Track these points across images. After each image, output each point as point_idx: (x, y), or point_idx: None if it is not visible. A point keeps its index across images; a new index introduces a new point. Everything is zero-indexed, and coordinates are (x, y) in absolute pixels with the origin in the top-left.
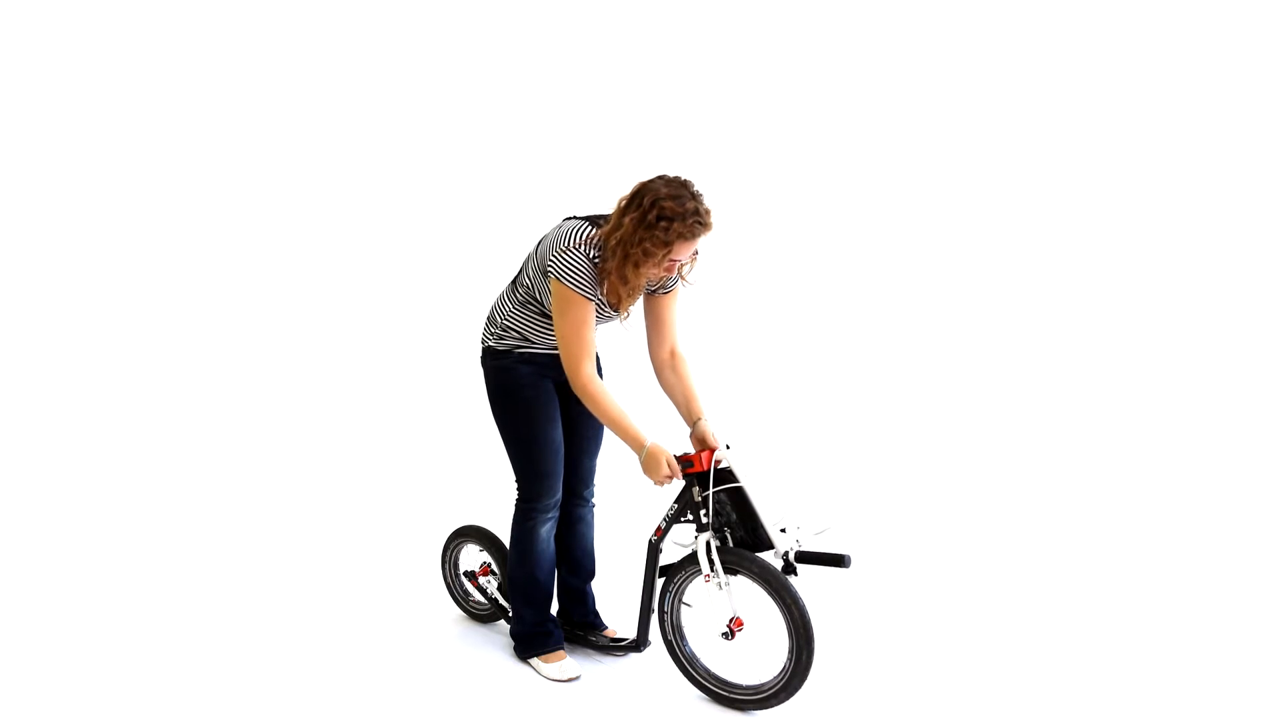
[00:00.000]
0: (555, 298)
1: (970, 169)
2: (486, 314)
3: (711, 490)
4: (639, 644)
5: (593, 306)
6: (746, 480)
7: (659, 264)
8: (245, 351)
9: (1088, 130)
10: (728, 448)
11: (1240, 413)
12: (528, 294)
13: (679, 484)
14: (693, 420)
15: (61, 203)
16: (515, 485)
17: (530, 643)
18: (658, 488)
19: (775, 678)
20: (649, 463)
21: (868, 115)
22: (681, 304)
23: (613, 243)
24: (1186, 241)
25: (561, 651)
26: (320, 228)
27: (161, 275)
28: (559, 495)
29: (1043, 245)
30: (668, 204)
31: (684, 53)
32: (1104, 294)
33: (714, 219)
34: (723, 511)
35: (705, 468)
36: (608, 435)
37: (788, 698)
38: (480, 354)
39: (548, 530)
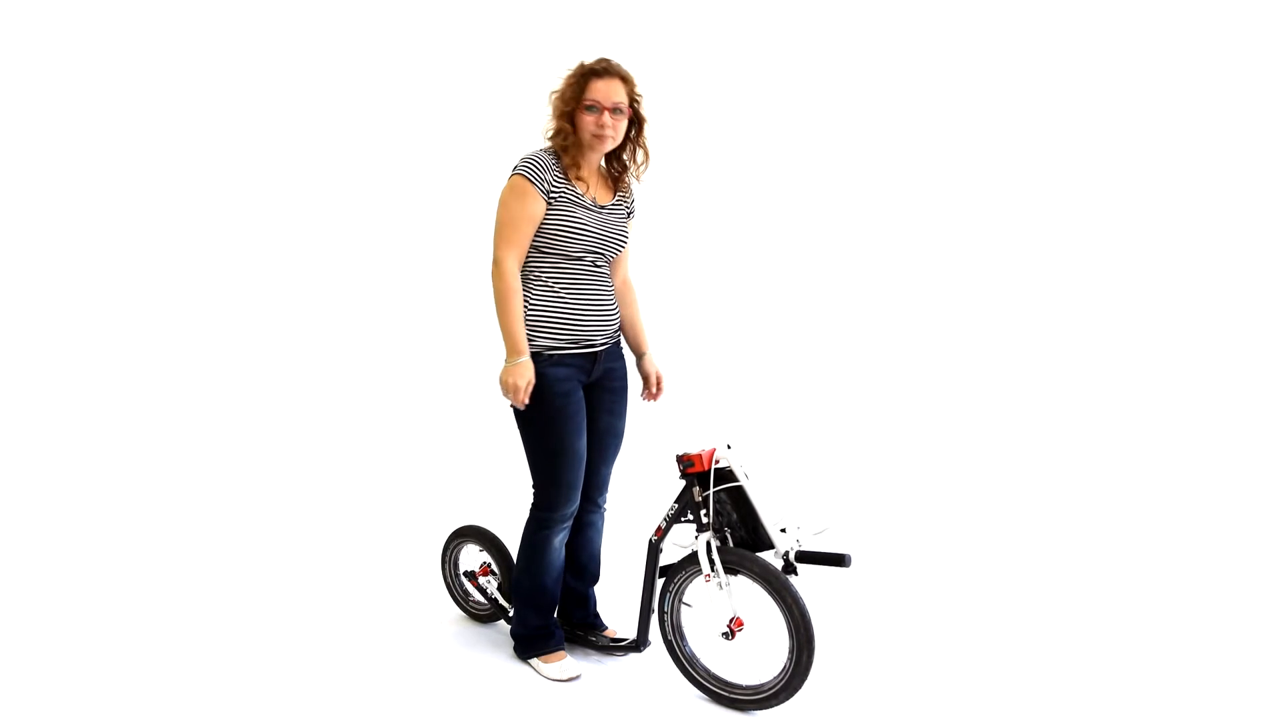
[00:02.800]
0: (503, 191)
1: (970, 168)
2: None
3: (712, 490)
4: (639, 644)
5: (539, 203)
6: (746, 480)
7: (583, 106)
8: (247, 352)
9: (1086, 127)
10: (729, 447)
11: (1240, 412)
12: (538, 260)
13: (677, 483)
14: (639, 353)
15: (62, 205)
16: (531, 491)
17: (531, 643)
18: (502, 397)
19: (775, 678)
20: (512, 370)
21: (870, 113)
22: (682, 303)
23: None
24: (1185, 241)
25: (562, 651)
26: (322, 227)
27: (164, 275)
28: (576, 505)
29: (1042, 244)
30: (586, 61)
31: (685, 51)
32: (1102, 293)
33: (631, 74)
34: (723, 511)
35: (705, 468)
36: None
37: (788, 698)
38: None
39: (560, 540)
